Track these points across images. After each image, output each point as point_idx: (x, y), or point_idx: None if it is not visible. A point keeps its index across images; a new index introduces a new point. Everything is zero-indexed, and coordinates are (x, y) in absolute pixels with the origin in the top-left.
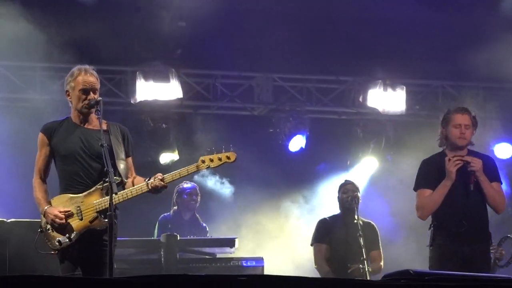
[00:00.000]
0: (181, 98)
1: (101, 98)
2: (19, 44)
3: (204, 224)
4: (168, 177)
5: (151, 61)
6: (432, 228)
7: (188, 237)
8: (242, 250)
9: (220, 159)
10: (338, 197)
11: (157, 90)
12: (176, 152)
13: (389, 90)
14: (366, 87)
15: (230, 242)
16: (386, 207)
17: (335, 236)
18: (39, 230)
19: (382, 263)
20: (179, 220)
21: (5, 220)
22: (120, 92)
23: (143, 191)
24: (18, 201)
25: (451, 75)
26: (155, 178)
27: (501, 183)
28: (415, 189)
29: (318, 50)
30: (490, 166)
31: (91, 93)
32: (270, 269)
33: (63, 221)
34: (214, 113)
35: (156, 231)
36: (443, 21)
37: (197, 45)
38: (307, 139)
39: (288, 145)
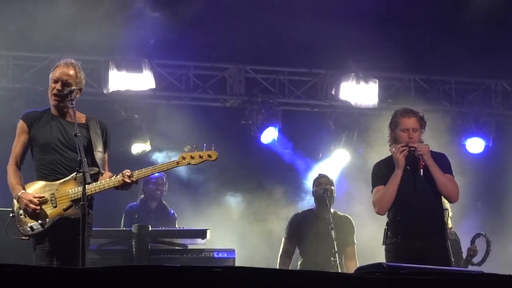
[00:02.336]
0: (153, 88)
1: (74, 88)
2: None
3: (172, 211)
4: (140, 173)
5: (124, 51)
6: (385, 226)
7: (160, 228)
8: (213, 242)
9: (201, 157)
10: (312, 190)
11: (129, 80)
12: (148, 142)
13: (362, 83)
14: (339, 80)
15: (201, 233)
16: (357, 199)
17: (306, 231)
18: (10, 215)
19: (357, 262)
20: (145, 209)
21: None
22: (92, 82)
23: (115, 184)
24: None
25: (424, 69)
26: (123, 174)
27: (453, 176)
28: (372, 190)
29: (291, 42)
30: (442, 161)
31: (59, 83)
32: (241, 261)
33: (37, 206)
34: (186, 104)
35: (122, 221)
36: (417, 14)
37: (170, 36)
38: (279, 131)
39: (260, 137)
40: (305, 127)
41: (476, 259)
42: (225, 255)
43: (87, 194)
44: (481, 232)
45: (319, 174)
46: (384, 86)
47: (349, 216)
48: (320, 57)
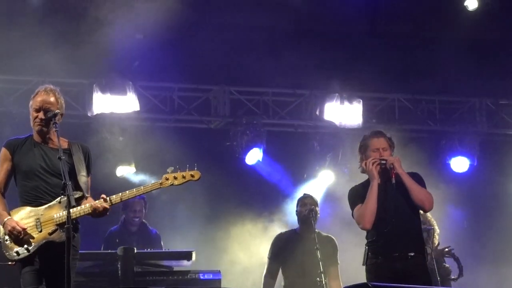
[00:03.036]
0: (138, 110)
1: (58, 111)
2: None
3: (154, 230)
4: (117, 198)
5: (108, 74)
6: (365, 246)
7: (145, 250)
8: (199, 263)
9: (184, 177)
10: (297, 210)
11: (114, 103)
12: (133, 165)
13: (346, 103)
14: (323, 100)
15: (187, 255)
16: (342, 219)
17: (290, 251)
18: None
19: (340, 282)
20: (126, 232)
21: None
22: (77, 105)
23: (90, 211)
24: None
25: (408, 89)
26: (100, 200)
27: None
28: (352, 213)
29: (275, 63)
30: (415, 177)
31: (41, 111)
32: (226, 283)
33: (21, 232)
34: (171, 126)
35: (102, 247)
36: (400, 34)
37: (154, 58)
38: (264, 152)
39: (245, 158)
40: (290, 147)
41: (453, 275)
42: (211, 276)
43: (71, 218)
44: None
45: (304, 194)
46: (368, 106)
47: (332, 236)
48: (304, 77)
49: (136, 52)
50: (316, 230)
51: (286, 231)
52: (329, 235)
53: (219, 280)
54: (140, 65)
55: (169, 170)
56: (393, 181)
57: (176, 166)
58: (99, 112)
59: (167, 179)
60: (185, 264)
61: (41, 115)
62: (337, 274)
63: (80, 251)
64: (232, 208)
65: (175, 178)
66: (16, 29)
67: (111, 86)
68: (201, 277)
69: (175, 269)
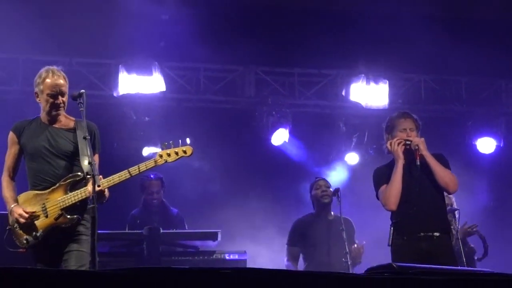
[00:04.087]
0: (164, 91)
1: (84, 91)
2: (2, 36)
3: (175, 210)
4: (110, 181)
5: (134, 54)
6: (390, 226)
7: (171, 230)
8: (225, 244)
9: (176, 153)
10: (311, 194)
11: (139, 83)
12: (159, 145)
13: (372, 84)
14: (349, 81)
15: (212, 235)
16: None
17: (312, 235)
18: (7, 228)
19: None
20: (146, 214)
21: None
22: (103, 85)
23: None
24: None
25: (434, 69)
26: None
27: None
28: (376, 194)
29: (301, 43)
30: (439, 160)
31: (59, 97)
32: (253, 262)
33: (28, 220)
34: (196, 106)
35: (127, 229)
36: (427, 15)
37: (180, 38)
38: (289, 132)
39: (270, 139)
40: (316, 128)
41: (478, 255)
42: (237, 256)
43: (74, 201)
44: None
45: (317, 178)
46: (394, 87)
47: (349, 218)
48: (330, 58)
49: (162, 32)
50: (332, 212)
51: (303, 216)
52: (346, 217)
53: (245, 261)
54: (166, 46)
55: (163, 146)
56: (418, 162)
57: (170, 142)
58: (125, 93)
59: (161, 156)
60: (210, 245)
61: (60, 99)
62: (357, 250)
63: (106, 232)
64: (258, 189)
65: (168, 154)
66: (42, 8)
67: (137, 66)
68: (227, 257)
69: (201, 249)
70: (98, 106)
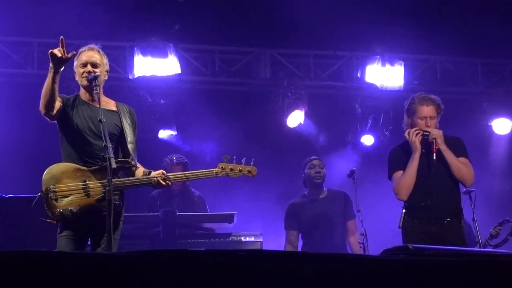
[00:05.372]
0: (179, 73)
1: (99, 73)
2: (17, 19)
3: (197, 193)
4: (176, 177)
5: (149, 37)
6: (403, 209)
7: (187, 213)
8: (241, 226)
9: (240, 171)
10: (304, 172)
11: (155, 66)
12: (174, 127)
13: (387, 65)
14: (364, 62)
15: (228, 218)
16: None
17: (308, 216)
18: (39, 194)
19: (358, 235)
20: (166, 196)
21: (3, 195)
22: (118, 68)
23: (147, 183)
24: (17, 178)
25: (449, 50)
26: (158, 174)
27: (470, 160)
28: (389, 176)
29: (316, 24)
30: (458, 145)
31: (89, 65)
32: (268, 245)
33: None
34: (212, 89)
35: (146, 211)
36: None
37: (196, 20)
38: (305, 114)
39: (286, 121)
40: (331, 110)
41: (494, 241)
42: (253, 239)
43: (119, 187)
44: (510, 219)
45: (312, 157)
46: (410, 68)
47: (343, 191)
48: (345, 39)
49: (176, 15)
50: (325, 188)
51: (296, 199)
52: (340, 190)
53: (261, 242)
54: (181, 28)
55: (224, 158)
56: (434, 157)
57: (233, 157)
58: (140, 75)
59: (223, 168)
60: (226, 227)
61: (89, 68)
62: (355, 227)
63: (123, 214)
64: (273, 171)
65: (232, 169)
66: None
67: (152, 49)
68: (243, 239)
69: (217, 231)
70: (113, 89)
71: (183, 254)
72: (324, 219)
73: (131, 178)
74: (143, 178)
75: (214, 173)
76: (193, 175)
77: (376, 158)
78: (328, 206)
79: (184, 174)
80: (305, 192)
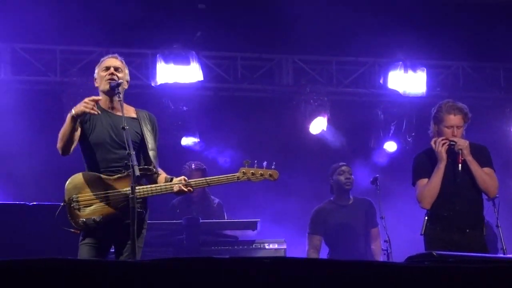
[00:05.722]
0: (201, 80)
1: (121, 81)
2: (39, 27)
3: (216, 200)
4: (198, 183)
5: (171, 44)
6: (425, 216)
7: (209, 220)
8: (264, 233)
9: (262, 175)
10: (333, 179)
11: (177, 73)
12: (197, 134)
13: (410, 71)
14: (387, 69)
15: (251, 225)
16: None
17: (334, 222)
18: (62, 204)
19: (380, 243)
20: (187, 203)
21: (27, 203)
22: (140, 75)
23: (169, 191)
24: (40, 185)
25: (472, 56)
26: (180, 181)
27: (494, 170)
28: (413, 183)
29: (337, 31)
30: (483, 154)
31: (112, 68)
32: (292, 252)
33: (93, 104)
34: (234, 95)
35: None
36: (463, 1)
37: (218, 27)
38: (328, 121)
39: (309, 128)
40: (354, 116)
41: None
42: (276, 246)
43: (142, 195)
44: None
45: (340, 163)
46: (432, 74)
47: (368, 199)
48: (368, 45)
49: (199, 21)
50: (351, 196)
51: (323, 204)
52: (366, 198)
53: (285, 250)
54: (203, 35)
55: (245, 163)
56: (460, 167)
57: (254, 161)
58: (162, 82)
59: (244, 173)
60: (250, 234)
61: (111, 70)
62: (377, 234)
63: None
64: (296, 178)
65: (253, 174)
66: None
67: (174, 56)
68: (267, 247)
69: (240, 238)
70: (136, 96)
71: (208, 261)
72: (350, 226)
73: (153, 185)
74: (165, 185)
75: (236, 178)
76: (214, 180)
77: (399, 165)
78: (354, 213)
79: (206, 179)
80: (331, 198)
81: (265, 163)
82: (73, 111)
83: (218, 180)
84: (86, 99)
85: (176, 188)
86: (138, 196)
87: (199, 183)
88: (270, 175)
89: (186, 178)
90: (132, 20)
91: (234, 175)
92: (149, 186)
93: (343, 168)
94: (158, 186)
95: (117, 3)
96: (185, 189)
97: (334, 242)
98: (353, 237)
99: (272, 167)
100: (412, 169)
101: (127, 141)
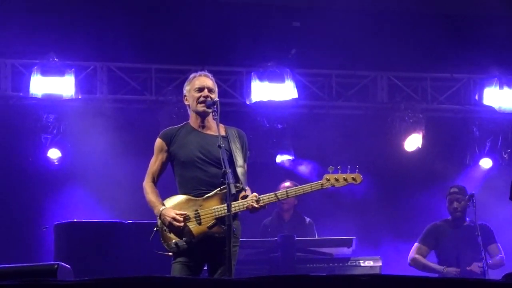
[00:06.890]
0: (296, 98)
1: (218, 99)
2: (134, 46)
3: (308, 220)
4: (270, 198)
5: (266, 62)
6: None
7: (305, 238)
8: (358, 250)
9: (345, 180)
10: (448, 204)
11: (272, 91)
12: (292, 152)
13: (505, 87)
14: (482, 85)
15: (347, 242)
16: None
17: (442, 241)
18: (154, 229)
19: (502, 255)
20: (279, 223)
21: (123, 221)
22: (235, 93)
23: (243, 209)
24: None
25: None
26: (251, 199)
27: None
28: (510, 196)
29: (432, 48)
30: None
31: (206, 89)
32: (387, 269)
33: (182, 224)
34: (329, 113)
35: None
36: None
37: (312, 44)
38: (423, 138)
39: (404, 145)
40: (449, 133)
41: None
42: (371, 263)
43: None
44: None
45: (451, 188)
46: None
47: (486, 224)
48: (463, 62)
49: (293, 39)
50: (467, 219)
51: (440, 221)
52: (483, 223)
53: (380, 267)
54: (297, 52)
55: (329, 169)
56: None
57: (338, 167)
58: (257, 100)
59: (327, 179)
60: (345, 251)
61: (205, 92)
62: (497, 250)
63: (241, 239)
64: (391, 195)
65: (336, 179)
66: (172, 17)
67: (269, 74)
68: (362, 264)
69: (335, 256)
70: (231, 114)
71: (305, 279)
72: (457, 249)
73: (236, 203)
74: (242, 203)
75: (320, 185)
76: (299, 189)
77: (495, 181)
78: (466, 236)
79: (286, 191)
80: (448, 218)
81: (348, 167)
82: (159, 215)
83: (303, 189)
84: (178, 218)
85: (248, 207)
86: (223, 214)
87: (271, 198)
88: (353, 179)
89: (257, 195)
90: (228, 38)
91: (318, 183)
92: (234, 203)
93: (451, 196)
94: (237, 204)
95: (211, 22)
96: (257, 206)
97: (448, 260)
98: (458, 260)
99: (356, 170)
100: (510, 185)
101: (223, 160)
